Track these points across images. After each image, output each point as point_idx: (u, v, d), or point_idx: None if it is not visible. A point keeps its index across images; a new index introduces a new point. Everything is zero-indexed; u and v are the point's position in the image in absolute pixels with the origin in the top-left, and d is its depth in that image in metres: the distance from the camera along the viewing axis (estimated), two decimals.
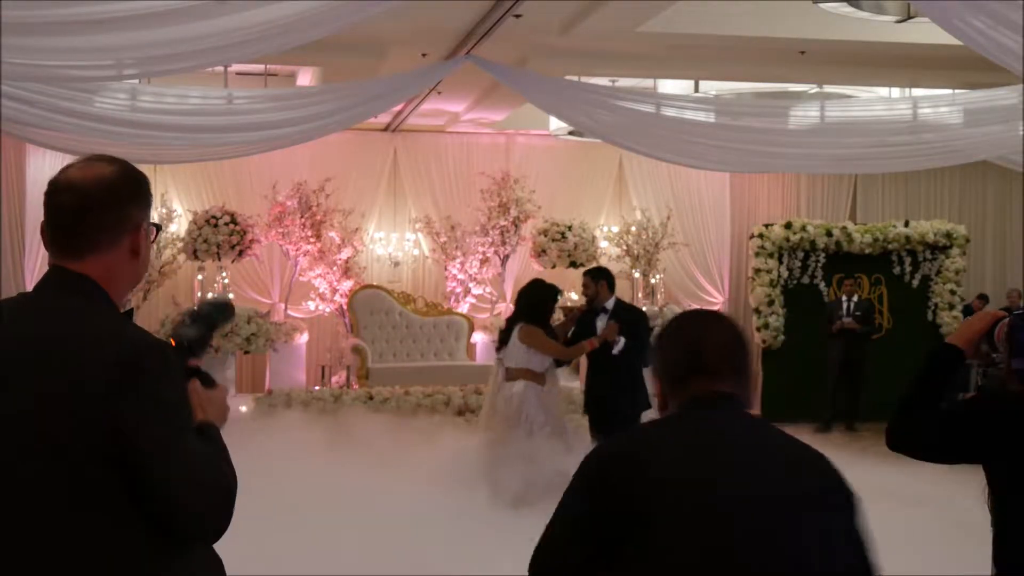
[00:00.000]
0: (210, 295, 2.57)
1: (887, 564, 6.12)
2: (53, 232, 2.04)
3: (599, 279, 7.48)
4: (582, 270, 12.62)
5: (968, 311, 12.65)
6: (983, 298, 13.01)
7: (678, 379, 2.07)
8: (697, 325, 2.15)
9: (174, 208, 12.29)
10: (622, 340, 7.18)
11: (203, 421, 2.07)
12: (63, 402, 1.87)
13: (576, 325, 7.58)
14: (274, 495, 7.07)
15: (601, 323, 7.39)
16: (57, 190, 2.03)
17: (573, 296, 12.70)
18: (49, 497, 1.86)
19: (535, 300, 7.38)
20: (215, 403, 2.14)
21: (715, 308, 13.38)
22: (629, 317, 7.41)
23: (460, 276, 12.80)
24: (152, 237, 2.13)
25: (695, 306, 12.41)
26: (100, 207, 2.01)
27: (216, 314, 2.27)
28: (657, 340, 2.16)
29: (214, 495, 1.95)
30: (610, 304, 7.44)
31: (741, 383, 2.07)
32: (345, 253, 12.39)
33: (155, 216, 12.05)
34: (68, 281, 2.00)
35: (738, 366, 2.07)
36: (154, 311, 11.84)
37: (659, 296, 11.88)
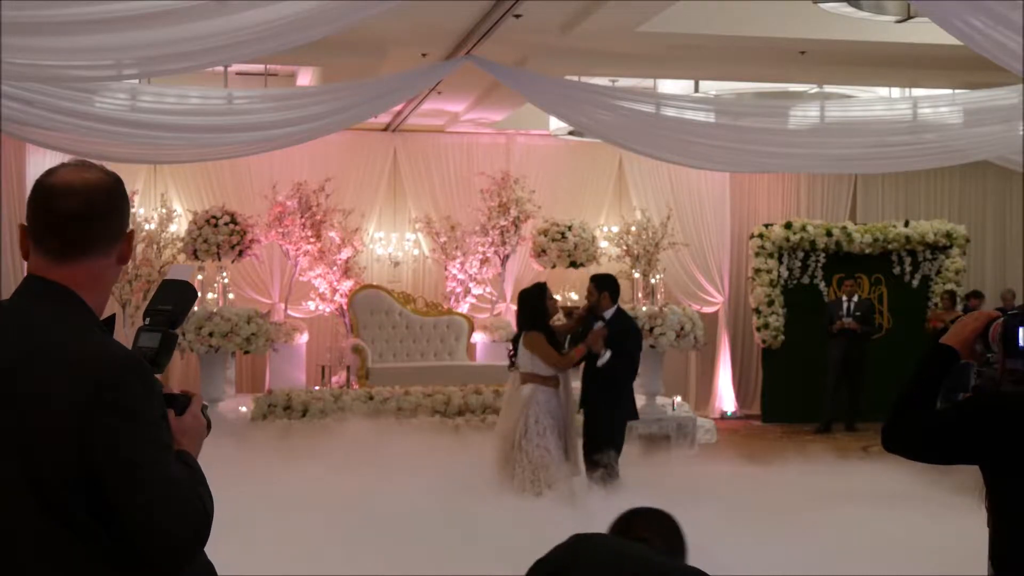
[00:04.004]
0: (168, 275, 2.26)
1: (888, 564, 6.12)
2: (48, 236, 1.98)
3: (602, 289, 7.70)
4: (583, 270, 12.73)
5: (967, 311, 12.65)
6: (978, 295, 12.91)
7: None
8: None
9: (174, 208, 12.29)
10: (608, 353, 7.45)
11: (178, 451, 1.99)
12: (37, 417, 1.83)
13: (582, 327, 7.78)
14: (271, 499, 7.08)
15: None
16: (55, 194, 1.97)
17: (573, 296, 12.72)
18: (18, 511, 1.83)
19: (529, 307, 7.60)
20: (189, 432, 2.06)
21: (715, 308, 13.39)
22: (618, 328, 7.60)
23: (460, 276, 12.80)
24: None
25: (695, 306, 12.41)
26: (105, 214, 1.99)
27: (176, 310, 2.14)
28: None
29: (188, 518, 1.88)
30: (609, 314, 7.67)
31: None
32: (345, 253, 12.39)
33: (155, 216, 12.07)
34: (47, 292, 1.96)
35: None
36: None
37: (659, 296, 11.87)
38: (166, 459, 1.89)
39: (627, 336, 7.62)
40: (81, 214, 1.96)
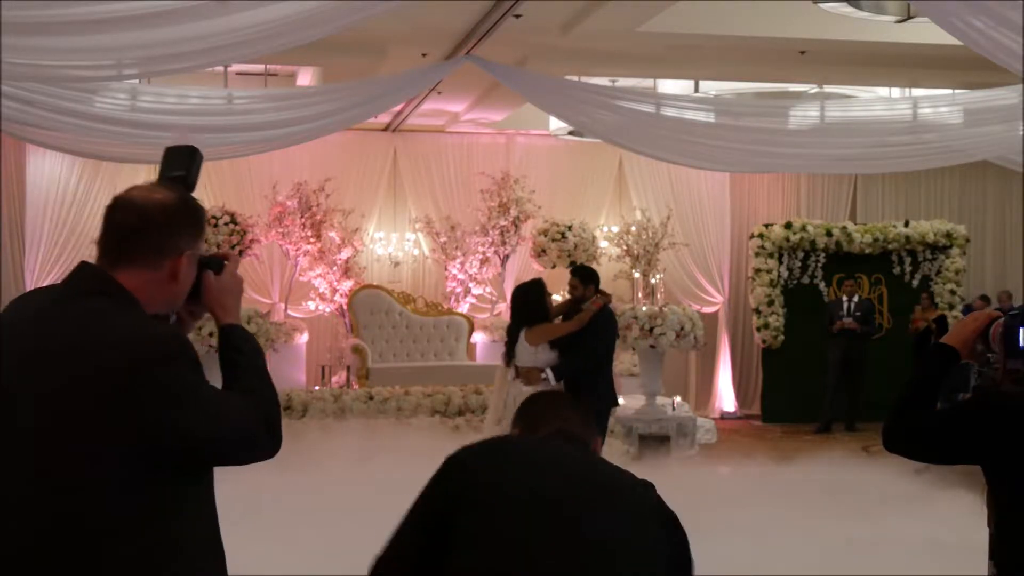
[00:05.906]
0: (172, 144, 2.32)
1: (888, 564, 6.11)
2: (103, 245, 2.10)
3: (587, 283, 7.60)
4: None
5: (969, 311, 12.65)
6: (984, 299, 12.97)
7: None
8: None
9: None
10: (549, 373, 7.27)
11: (226, 325, 2.15)
12: (88, 386, 1.90)
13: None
14: (271, 500, 7.08)
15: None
16: (115, 207, 2.11)
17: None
18: (86, 496, 1.90)
19: (530, 304, 7.42)
20: (227, 291, 2.18)
21: (715, 308, 13.39)
22: (599, 320, 7.41)
23: (460, 276, 12.81)
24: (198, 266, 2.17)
25: (695, 306, 12.41)
26: (149, 229, 2.07)
27: (189, 175, 2.21)
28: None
29: (248, 429, 2.14)
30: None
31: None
32: (345, 253, 12.39)
33: None
34: (97, 279, 2.06)
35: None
36: None
37: (659, 296, 11.87)
38: (219, 410, 2.03)
39: (600, 331, 7.44)
40: (127, 226, 2.08)
